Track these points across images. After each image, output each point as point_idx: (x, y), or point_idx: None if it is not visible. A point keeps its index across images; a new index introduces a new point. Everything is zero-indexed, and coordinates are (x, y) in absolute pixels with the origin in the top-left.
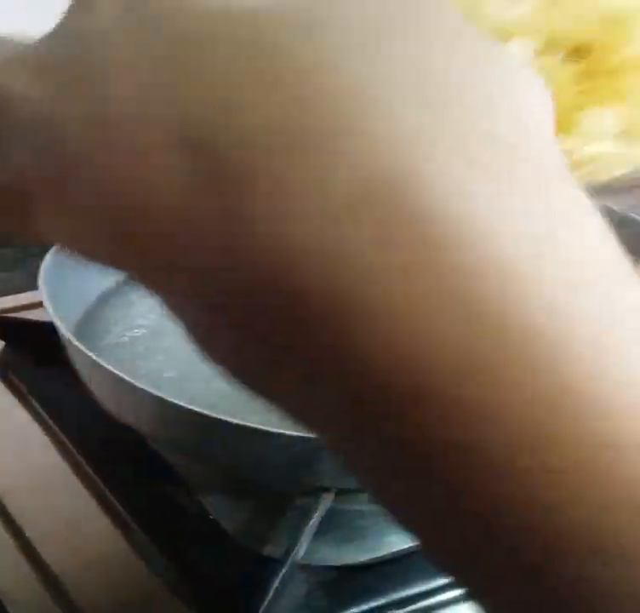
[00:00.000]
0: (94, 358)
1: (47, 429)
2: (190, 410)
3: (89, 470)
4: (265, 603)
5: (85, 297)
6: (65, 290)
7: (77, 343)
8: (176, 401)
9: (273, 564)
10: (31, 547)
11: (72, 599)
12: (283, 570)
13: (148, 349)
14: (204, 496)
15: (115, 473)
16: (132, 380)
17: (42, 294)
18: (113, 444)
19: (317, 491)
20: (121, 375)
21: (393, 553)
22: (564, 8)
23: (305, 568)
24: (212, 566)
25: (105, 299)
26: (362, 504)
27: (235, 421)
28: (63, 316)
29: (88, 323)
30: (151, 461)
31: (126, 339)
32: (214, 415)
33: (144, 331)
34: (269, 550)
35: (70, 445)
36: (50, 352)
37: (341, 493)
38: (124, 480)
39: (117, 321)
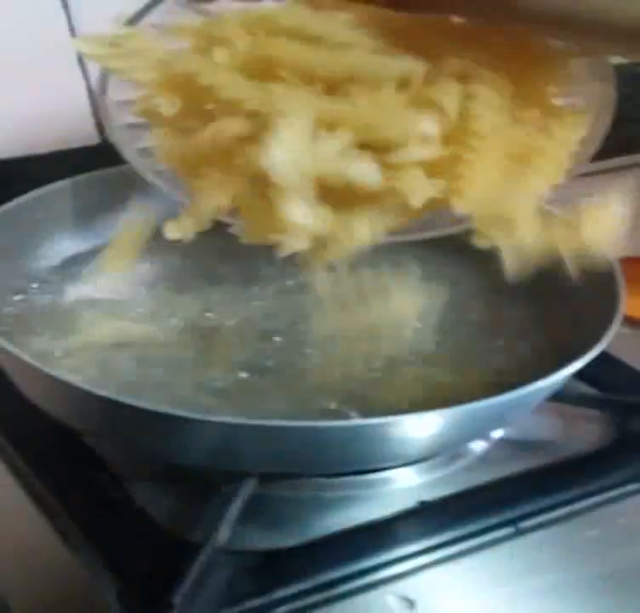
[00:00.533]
0: (11, 349)
1: None
2: (106, 398)
3: (16, 457)
4: (186, 586)
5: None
6: None
7: None
8: (94, 390)
9: (196, 550)
10: None
11: None
12: (204, 555)
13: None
14: (130, 485)
15: (42, 462)
16: (45, 369)
17: None
18: (40, 433)
19: (239, 477)
20: (29, 360)
21: (318, 538)
22: None
23: (230, 553)
24: (136, 553)
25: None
26: (288, 490)
27: (153, 407)
28: None
29: None
30: (78, 450)
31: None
32: (130, 401)
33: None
34: (194, 536)
35: None
36: None
37: (264, 478)
38: (50, 468)
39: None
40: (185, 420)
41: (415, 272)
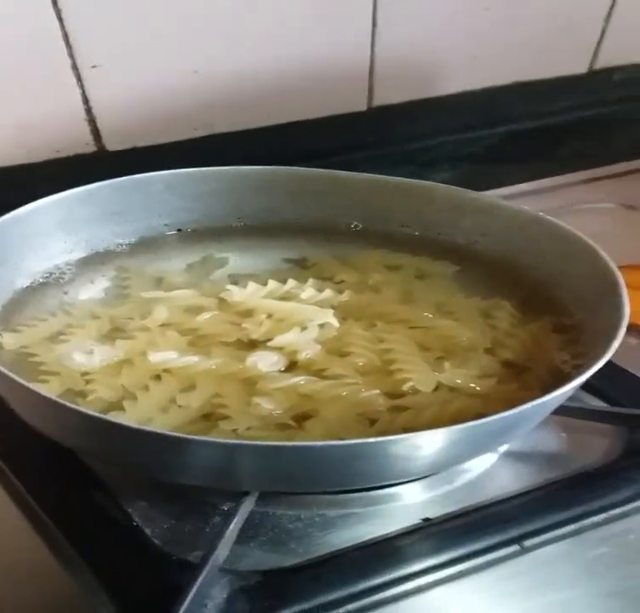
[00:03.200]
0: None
1: None
2: (104, 420)
3: (12, 476)
4: (183, 608)
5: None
6: None
7: None
8: (90, 412)
9: (194, 570)
10: None
11: None
12: (202, 575)
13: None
14: (128, 503)
15: (38, 480)
16: (35, 389)
17: None
18: (36, 452)
19: (238, 495)
20: (18, 380)
21: (320, 557)
22: None
23: (229, 573)
24: (133, 572)
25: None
26: (290, 508)
27: (149, 428)
28: None
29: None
30: (75, 469)
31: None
32: (127, 423)
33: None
34: (193, 556)
35: None
36: None
37: (265, 496)
38: (46, 487)
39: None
40: (183, 440)
41: None
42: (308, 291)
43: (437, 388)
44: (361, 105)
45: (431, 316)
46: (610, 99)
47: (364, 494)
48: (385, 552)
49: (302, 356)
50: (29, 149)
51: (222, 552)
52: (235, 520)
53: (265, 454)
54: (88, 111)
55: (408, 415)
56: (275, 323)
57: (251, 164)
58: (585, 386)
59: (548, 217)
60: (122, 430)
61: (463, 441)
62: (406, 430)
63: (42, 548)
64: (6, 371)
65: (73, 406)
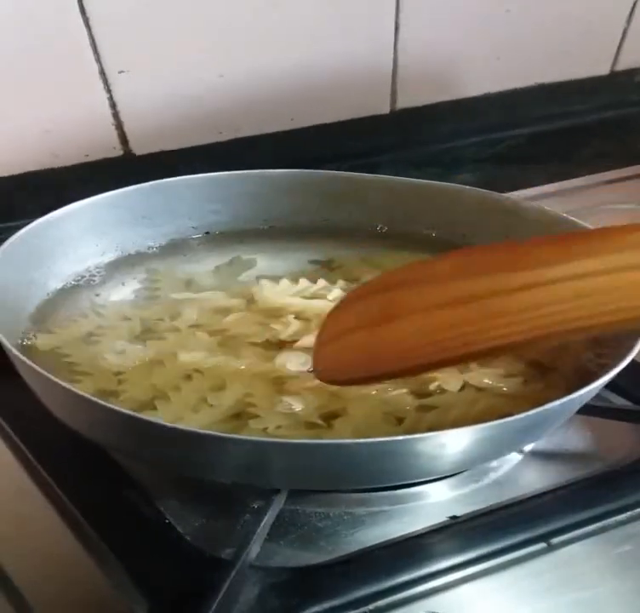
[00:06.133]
0: (36, 367)
1: (4, 436)
2: (139, 419)
3: (46, 475)
4: (215, 604)
5: (32, 301)
6: (10, 297)
7: (16, 353)
8: (125, 410)
9: (226, 567)
10: None
11: (26, 601)
12: (234, 572)
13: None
14: (161, 501)
15: (71, 480)
16: (70, 387)
17: None
18: (70, 451)
19: (269, 493)
20: (53, 378)
21: (349, 554)
22: None
23: (260, 570)
24: (165, 569)
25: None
26: (319, 506)
27: (182, 426)
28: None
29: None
30: (108, 467)
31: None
32: (161, 421)
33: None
34: (225, 553)
35: (25, 450)
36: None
37: (295, 494)
38: (80, 486)
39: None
40: (215, 438)
41: None
42: (335, 292)
43: (463, 388)
44: (384, 108)
45: None
46: (632, 100)
47: (392, 492)
48: (412, 550)
49: None
50: (57, 153)
51: (253, 549)
52: (266, 518)
53: (294, 452)
54: (116, 115)
55: (435, 414)
56: (303, 323)
57: (276, 167)
58: (611, 385)
59: (571, 218)
60: (155, 428)
61: (488, 440)
62: (432, 429)
63: (76, 546)
64: (40, 369)
65: (108, 404)
